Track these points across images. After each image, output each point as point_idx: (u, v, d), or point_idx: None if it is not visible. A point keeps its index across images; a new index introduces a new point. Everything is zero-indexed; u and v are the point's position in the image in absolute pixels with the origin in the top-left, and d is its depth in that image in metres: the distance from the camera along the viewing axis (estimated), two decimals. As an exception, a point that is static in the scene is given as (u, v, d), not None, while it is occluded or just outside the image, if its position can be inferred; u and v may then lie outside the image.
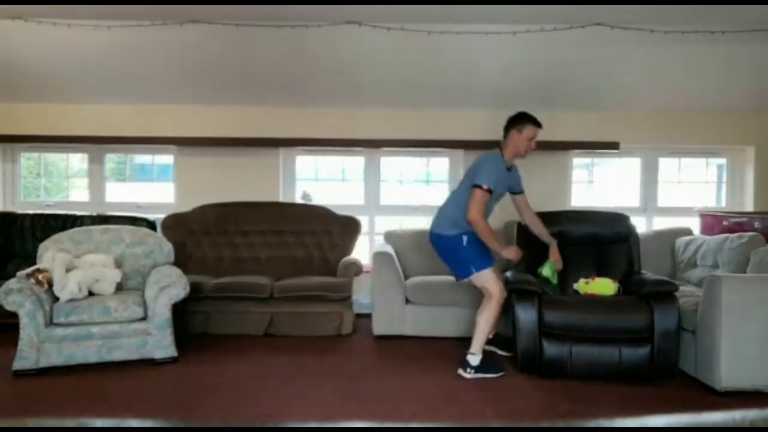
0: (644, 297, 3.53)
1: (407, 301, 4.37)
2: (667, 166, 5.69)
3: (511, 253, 3.58)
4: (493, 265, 3.63)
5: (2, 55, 4.76)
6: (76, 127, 5.28)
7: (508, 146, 3.68)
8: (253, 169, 5.42)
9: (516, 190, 3.87)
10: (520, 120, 3.65)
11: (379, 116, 5.34)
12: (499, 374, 3.56)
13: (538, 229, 3.92)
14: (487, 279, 3.59)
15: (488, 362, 3.63)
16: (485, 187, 3.47)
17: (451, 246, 3.67)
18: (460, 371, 3.57)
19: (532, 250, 3.95)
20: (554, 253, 3.84)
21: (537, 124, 3.65)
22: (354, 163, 5.72)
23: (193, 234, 5.04)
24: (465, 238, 3.60)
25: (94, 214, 5.00)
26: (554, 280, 3.75)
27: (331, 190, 5.77)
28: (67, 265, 3.75)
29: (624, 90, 5.14)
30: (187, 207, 5.22)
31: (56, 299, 3.65)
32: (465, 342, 4.21)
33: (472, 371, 3.53)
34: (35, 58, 4.80)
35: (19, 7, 4.18)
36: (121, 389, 3.27)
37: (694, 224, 5.10)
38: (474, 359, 3.56)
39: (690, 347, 3.45)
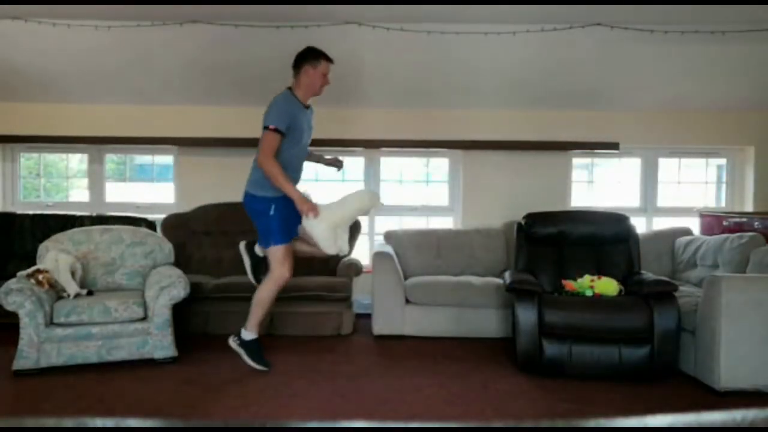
0: (644, 297, 3.54)
1: (407, 301, 4.37)
2: (667, 166, 5.69)
3: (308, 207, 3.32)
4: (287, 243, 3.42)
5: (2, 55, 4.76)
6: (76, 127, 5.27)
7: (300, 84, 3.43)
8: (253, 169, 5.41)
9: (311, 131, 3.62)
10: (313, 55, 3.43)
11: (379, 116, 5.34)
12: (264, 369, 3.50)
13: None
14: (276, 258, 3.40)
15: (260, 352, 3.54)
16: (272, 127, 3.24)
17: (258, 210, 3.44)
18: (230, 339, 3.54)
19: (533, 249, 3.96)
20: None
21: (329, 59, 3.47)
22: (354, 163, 5.72)
23: (193, 234, 5.04)
24: (273, 207, 3.37)
25: (94, 214, 4.99)
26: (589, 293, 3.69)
27: (332, 190, 5.77)
28: (71, 266, 3.76)
29: (624, 90, 5.14)
30: (187, 207, 5.22)
31: (56, 299, 3.65)
32: (465, 342, 4.24)
33: (238, 342, 3.51)
34: (35, 58, 4.80)
35: (19, 7, 4.18)
36: (121, 389, 3.28)
37: (694, 224, 5.10)
38: (246, 335, 3.51)
39: (690, 347, 3.45)
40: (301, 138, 3.44)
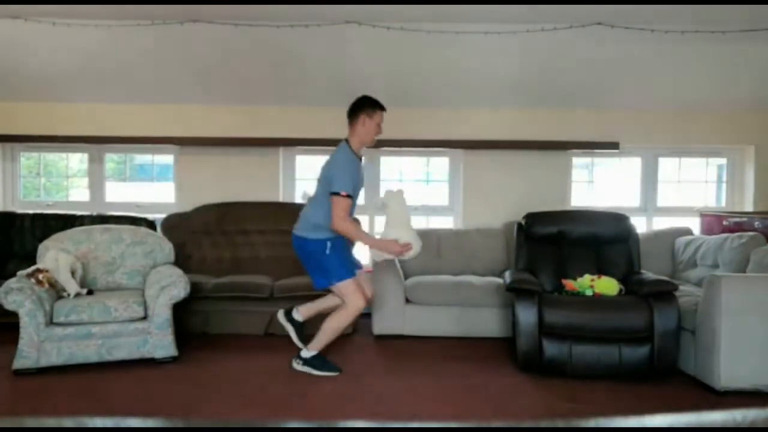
0: (644, 297, 3.54)
1: (407, 301, 4.37)
2: (667, 166, 5.69)
3: (393, 247, 3.39)
4: (355, 275, 3.48)
5: (2, 55, 4.76)
6: (76, 127, 5.28)
7: (356, 133, 3.46)
8: (253, 169, 5.42)
9: None
10: (370, 105, 3.47)
11: (379, 116, 5.34)
12: (336, 373, 3.52)
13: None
14: (349, 291, 3.43)
15: (324, 361, 3.57)
16: (344, 194, 3.30)
17: (313, 252, 3.46)
18: (293, 363, 3.57)
19: (533, 249, 3.96)
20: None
21: (383, 108, 3.51)
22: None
23: (193, 234, 5.04)
24: (329, 245, 3.41)
25: (94, 214, 4.99)
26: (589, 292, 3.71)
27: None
28: (71, 266, 3.76)
29: (624, 90, 5.14)
30: (187, 207, 5.22)
31: (57, 298, 3.65)
32: (465, 342, 4.23)
33: (301, 362, 3.54)
34: (35, 58, 4.80)
35: (19, 7, 4.17)
36: (121, 389, 3.28)
37: (694, 224, 5.10)
38: (307, 353, 3.54)
39: (690, 347, 3.45)
40: (357, 193, 3.50)
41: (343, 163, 3.39)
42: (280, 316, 3.73)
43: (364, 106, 3.47)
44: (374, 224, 5.62)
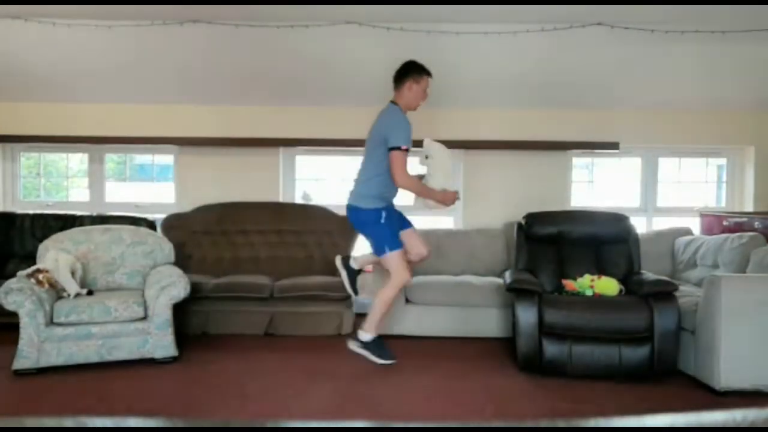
0: (644, 297, 3.53)
1: (407, 301, 4.37)
2: (667, 166, 5.69)
3: (451, 198, 3.50)
4: (401, 248, 3.51)
5: (2, 55, 4.76)
6: (76, 127, 5.28)
7: (402, 98, 3.49)
8: (253, 169, 5.42)
9: None
10: (416, 70, 3.50)
11: (379, 116, 5.34)
12: (390, 362, 3.54)
13: None
14: (396, 263, 3.47)
15: (383, 347, 3.58)
16: (404, 147, 3.33)
17: (368, 221, 3.51)
18: (349, 344, 3.58)
19: (533, 249, 3.96)
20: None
21: (430, 74, 3.54)
22: (354, 163, 5.71)
23: (193, 234, 5.04)
24: (383, 214, 3.46)
25: (94, 214, 4.99)
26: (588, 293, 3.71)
27: (331, 190, 5.77)
28: (71, 266, 3.76)
29: (624, 90, 5.14)
30: (187, 207, 5.22)
31: (57, 299, 3.65)
32: (465, 342, 4.23)
33: (359, 345, 3.55)
34: (35, 58, 4.80)
35: (19, 7, 4.18)
36: (121, 389, 3.28)
37: (694, 224, 5.10)
38: (365, 336, 3.54)
39: (690, 347, 3.45)
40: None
41: (399, 120, 3.42)
42: (338, 260, 3.79)
43: (411, 72, 3.49)
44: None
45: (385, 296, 3.54)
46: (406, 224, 3.67)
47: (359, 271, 3.79)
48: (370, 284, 4.49)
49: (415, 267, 3.83)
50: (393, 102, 3.52)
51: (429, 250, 3.72)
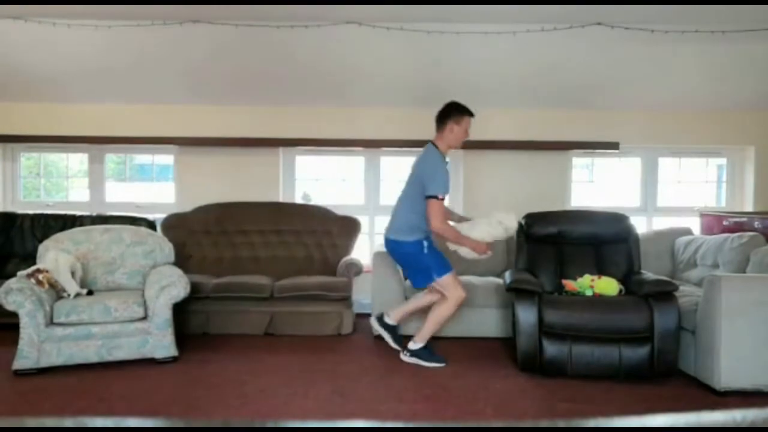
0: (644, 297, 3.53)
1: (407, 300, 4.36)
2: (667, 166, 5.69)
3: (483, 248, 3.58)
4: (452, 270, 3.64)
5: (2, 55, 4.76)
6: (76, 127, 5.28)
7: (444, 139, 3.62)
8: (253, 169, 5.42)
9: None
10: (458, 111, 3.61)
11: (379, 116, 5.35)
12: (442, 365, 3.67)
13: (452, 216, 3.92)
14: (449, 285, 3.61)
15: (431, 351, 3.74)
16: (440, 197, 3.46)
17: (411, 253, 3.64)
18: (401, 355, 3.75)
19: (533, 249, 3.96)
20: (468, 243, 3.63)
21: (472, 114, 3.64)
22: (354, 163, 5.72)
23: (193, 234, 5.04)
24: (426, 244, 3.60)
25: (94, 214, 5.00)
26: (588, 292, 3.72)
27: (331, 190, 5.77)
28: (71, 266, 3.76)
29: (624, 90, 5.14)
30: (187, 207, 5.22)
31: (57, 299, 3.65)
32: (465, 342, 4.23)
33: (409, 354, 3.71)
34: (35, 58, 4.80)
35: (19, 7, 4.18)
36: (121, 389, 3.28)
37: (694, 224, 5.10)
38: (415, 345, 3.72)
39: (690, 347, 3.45)
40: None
41: (437, 166, 3.52)
42: (374, 322, 3.93)
43: (452, 114, 3.60)
44: (374, 224, 5.62)
45: (442, 314, 3.67)
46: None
47: (397, 326, 3.93)
48: (369, 285, 4.50)
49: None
50: (433, 143, 3.62)
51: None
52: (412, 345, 3.72)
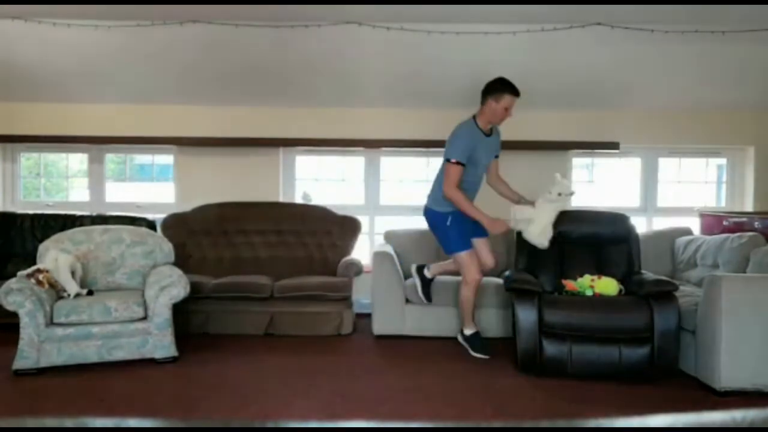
0: (644, 297, 3.53)
1: (407, 301, 4.37)
2: (667, 166, 5.69)
3: (498, 226, 3.67)
4: (470, 249, 3.77)
5: (2, 55, 4.76)
6: (76, 127, 5.27)
7: (483, 114, 3.70)
8: (253, 169, 5.42)
9: (495, 153, 3.94)
10: (499, 89, 3.65)
11: (379, 116, 5.34)
12: (485, 357, 3.80)
13: (504, 189, 4.03)
14: (463, 263, 3.78)
15: (480, 342, 3.90)
16: (454, 161, 3.57)
17: (436, 222, 3.85)
18: (458, 336, 4.02)
19: (533, 249, 3.96)
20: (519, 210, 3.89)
21: (515, 92, 3.64)
22: (354, 163, 5.72)
23: (193, 234, 5.04)
24: (450, 219, 3.74)
25: (94, 214, 4.99)
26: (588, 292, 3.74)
27: (331, 190, 5.77)
28: (71, 266, 3.76)
29: (624, 90, 5.14)
30: (187, 207, 5.22)
31: (57, 299, 3.65)
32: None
33: (463, 337, 3.96)
34: (35, 58, 4.80)
35: (19, 7, 4.18)
36: (121, 389, 3.28)
37: (694, 224, 5.10)
38: (467, 330, 3.95)
39: (690, 347, 3.45)
40: (478, 165, 3.73)
41: (460, 134, 3.64)
42: (413, 269, 4.18)
43: (493, 91, 3.66)
44: (374, 224, 5.62)
45: (462, 296, 3.88)
46: (480, 232, 3.85)
47: (432, 280, 4.12)
48: (369, 285, 4.50)
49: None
50: (474, 115, 3.73)
51: (496, 260, 3.98)
52: (466, 330, 3.93)
